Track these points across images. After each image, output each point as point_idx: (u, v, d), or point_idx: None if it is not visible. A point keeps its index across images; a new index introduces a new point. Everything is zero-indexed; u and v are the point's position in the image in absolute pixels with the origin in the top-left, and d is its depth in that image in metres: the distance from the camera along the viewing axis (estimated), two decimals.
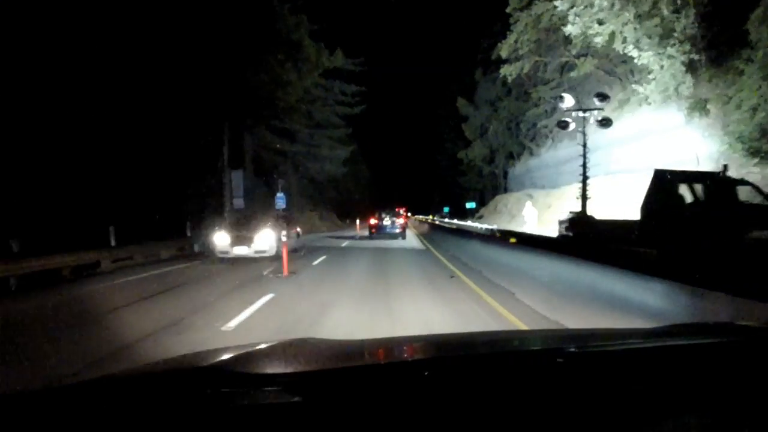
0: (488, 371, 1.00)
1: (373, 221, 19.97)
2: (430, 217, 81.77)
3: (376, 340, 1.58)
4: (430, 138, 71.31)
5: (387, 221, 19.70)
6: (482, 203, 50.81)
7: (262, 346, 1.17)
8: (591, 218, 9.92)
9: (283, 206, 29.05)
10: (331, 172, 31.75)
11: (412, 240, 21.41)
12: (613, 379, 0.96)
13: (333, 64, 22.28)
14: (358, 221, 24.66)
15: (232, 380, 0.87)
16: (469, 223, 34.26)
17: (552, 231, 18.80)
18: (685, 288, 4.28)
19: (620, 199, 19.54)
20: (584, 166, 10.97)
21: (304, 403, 0.78)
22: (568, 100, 10.18)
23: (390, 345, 1.47)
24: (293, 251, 12.02)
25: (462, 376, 0.95)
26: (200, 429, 0.74)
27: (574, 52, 21.37)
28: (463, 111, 43.26)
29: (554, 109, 28.89)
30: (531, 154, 35.58)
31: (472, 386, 0.89)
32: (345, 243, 18.17)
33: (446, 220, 41.29)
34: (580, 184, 23.59)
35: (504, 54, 23.80)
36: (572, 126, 10.71)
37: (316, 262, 11.61)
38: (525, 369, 1.02)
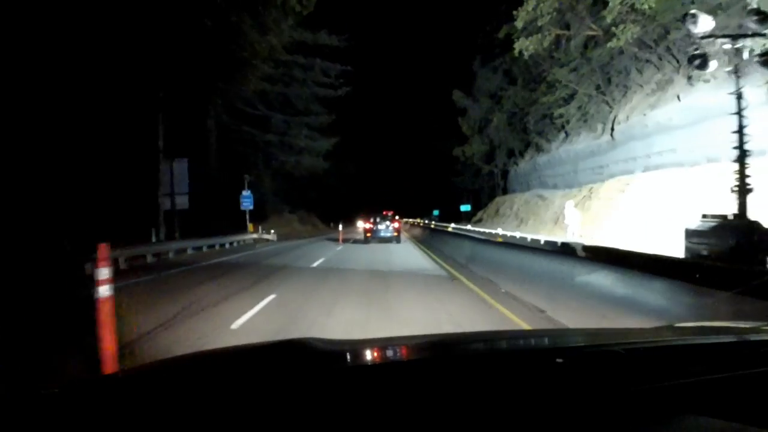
0: (489, 371, 1.00)
1: (368, 226, 19.86)
2: (419, 220, 77.88)
3: (376, 339, 1.63)
4: (419, 135, 67.33)
5: (381, 226, 19.54)
6: (477, 206, 46.80)
7: (265, 346, 1.21)
8: (760, 226, 5.70)
9: (250, 207, 24.23)
10: (311, 167, 27.09)
11: (411, 251, 16.90)
12: (613, 380, 0.95)
13: (308, 10, 17.62)
14: (341, 226, 19.80)
15: (232, 380, 0.87)
16: (471, 227, 29.96)
17: (593, 238, 14.83)
18: None
19: (666, 201, 15.31)
20: (740, 132, 6.53)
21: (304, 402, 0.78)
22: (704, 22, 5.76)
23: (390, 345, 1.45)
24: None
25: (463, 376, 0.95)
26: (199, 429, 0.73)
27: (609, 19, 17.26)
28: (459, 104, 39.12)
29: (573, 95, 24.88)
30: (539, 150, 31.56)
31: (472, 386, 0.89)
32: (319, 260, 11.99)
33: (445, 224, 37.00)
34: (611, 182, 19.70)
35: (520, 23, 19.69)
36: (713, 66, 6.30)
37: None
38: (525, 369, 1.02)
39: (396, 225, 19.85)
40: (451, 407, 0.79)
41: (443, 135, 50.51)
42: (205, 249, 16.36)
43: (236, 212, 24.62)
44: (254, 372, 0.96)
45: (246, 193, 21.84)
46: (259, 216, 29.30)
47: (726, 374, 0.96)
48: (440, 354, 1.26)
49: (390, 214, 20.85)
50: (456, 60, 47.44)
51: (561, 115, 25.48)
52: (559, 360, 1.03)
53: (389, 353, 1.30)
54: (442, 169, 54.84)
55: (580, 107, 24.70)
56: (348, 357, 1.19)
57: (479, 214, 39.86)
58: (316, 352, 1.16)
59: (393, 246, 18.65)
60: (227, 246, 18.77)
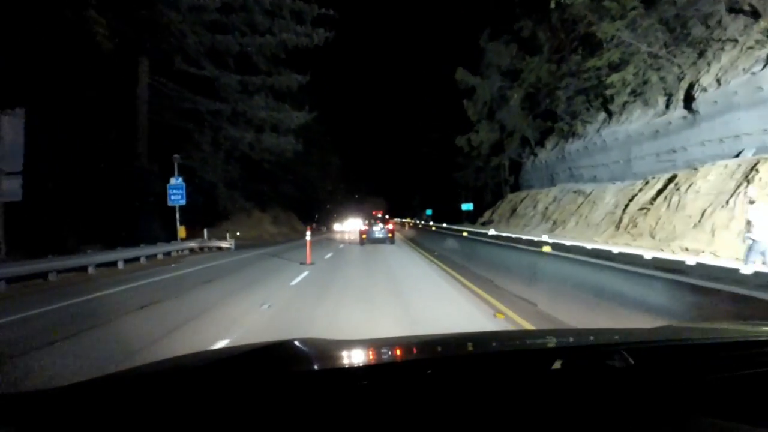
0: (489, 371, 0.99)
1: (363, 228, 20.00)
2: (409, 220, 71.79)
3: (376, 339, 1.58)
4: (412, 124, 61.12)
5: (376, 228, 19.48)
6: (480, 205, 40.89)
7: (263, 346, 1.15)
8: None
9: (181, 201, 17.51)
10: (276, 148, 20.50)
11: (428, 272, 10.73)
12: (613, 380, 0.94)
13: None
14: (309, 234, 12.88)
15: (232, 380, 0.87)
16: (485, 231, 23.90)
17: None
18: None
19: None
20: None
21: (304, 402, 0.78)
22: None
23: (390, 344, 1.43)
24: None
25: (463, 376, 0.94)
26: (198, 429, 0.73)
27: None
28: (464, 84, 32.99)
29: (629, 57, 18.96)
30: (570, 135, 25.67)
31: (473, 386, 0.89)
32: (261, 310, 5.99)
33: (451, 227, 30.97)
34: (716, 168, 13.11)
35: None
36: None
37: None
38: (525, 369, 1.01)
39: (390, 227, 19.62)
40: (452, 406, 0.79)
41: (442, 123, 44.51)
42: (53, 277, 9.35)
43: (183, 210, 18.08)
44: (241, 376, 0.91)
45: (175, 182, 15.22)
46: (213, 215, 22.68)
47: (728, 374, 0.93)
48: (441, 354, 1.26)
49: (380, 214, 20.91)
50: (458, 34, 41.37)
51: (611, 85, 19.56)
52: (559, 360, 1.02)
53: (390, 353, 1.29)
54: (439, 162, 48.75)
55: (636, 73, 18.82)
56: (348, 357, 1.18)
57: (487, 215, 33.85)
58: (316, 352, 1.14)
59: (396, 261, 12.89)
60: (121, 266, 11.78)
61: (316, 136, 32.92)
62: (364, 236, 19.19)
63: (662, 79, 18.68)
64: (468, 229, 21.57)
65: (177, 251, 14.83)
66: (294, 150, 20.68)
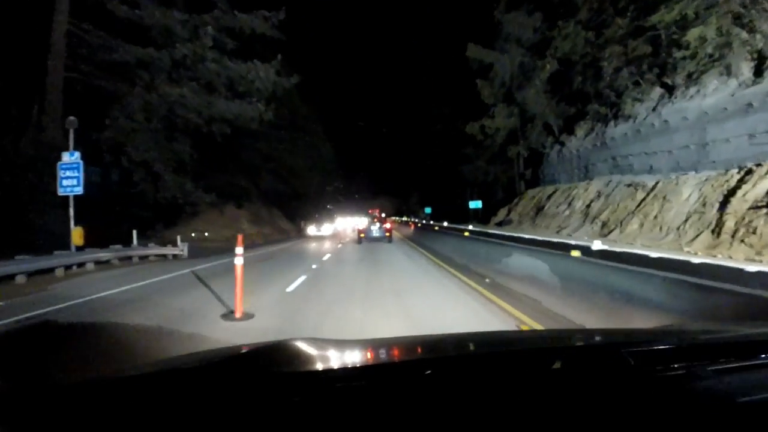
0: (489, 371, 0.99)
1: (361, 227, 20.18)
2: (406, 218, 67.21)
3: (376, 339, 1.58)
4: (411, 115, 56.42)
5: (373, 227, 19.51)
6: (488, 202, 36.39)
7: (262, 345, 1.16)
8: None
9: (76, 189, 11.54)
10: (235, 115, 15.50)
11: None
12: (613, 380, 0.94)
13: None
14: (239, 254, 7.47)
15: (231, 380, 0.87)
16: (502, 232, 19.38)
17: None
18: None
19: None
20: None
21: (304, 403, 0.78)
22: None
23: (390, 345, 1.43)
24: None
25: (463, 376, 0.95)
26: (199, 430, 0.73)
27: None
28: (477, 61, 28.38)
29: (705, 12, 14.47)
30: (612, 117, 21.17)
31: (473, 386, 0.89)
32: None
33: (451, 225, 26.45)
34: None
35: None
36: None
37: None
38: (525, 369, 1.01)
39: (387, 225, 19.82)
40: (452, 407, 0.78)
41: (447, 110, 39.93)
42: None
43: (112, 203, 13.31)
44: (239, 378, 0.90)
45: (70, 159, 10.22)
46: (173, 212, 17.92)
47: (728, 374, 0.94)
48: (441, 354, 1.25)
49: (377, 212, 22.16)
50: (467, 6, 36.71)
51: (683, 46, 15.03)
52: (559, 360, 1.03)
53: (389, 353, 1.29)
54: (443, 155, 44.16)
55: (719, 29, 14.34)
56: (348, 357, 1.18)
57: (501, 214, 29.30)
58: (316, 353, 1.13)
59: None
60: None
61: (306, 122, 28.22)
62: (362, 235, 19.28)
63: (746, 42, 14.28)
64: (492, 231, 17.02)
65: (75, 265, 9.86)
66: (262, 119, 15.75)
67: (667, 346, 1.16)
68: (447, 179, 47.42)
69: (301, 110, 27.36)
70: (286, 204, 32.30)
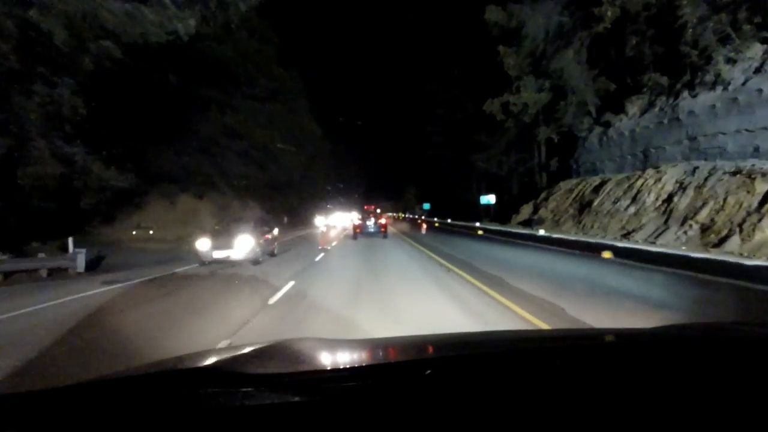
0: (489, 371, 0.98)
1: (357, 222, 19.75)
2: (400, 214, 62.15)
3: (376, 339, 1.58)
4: (409, 97, 50.97)
5: (369, 222, 19.24)
6: (501, 198, 31.43)
7: (261, 345, 1.15)
8: None
9: None
10: (141, 28, 9.93)
11: None
12: (613, 381, 0.93)
13: None
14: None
15: (230, 380, 0.86)
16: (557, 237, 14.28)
17: None
18: None
19: None
20: None
21: (304, 403, 0.77)
22: None
23: (390, 345, 1.42)
24: None
25: (463, 376, 0.94)
26: (199, 430, 0.72)
27: None
28: (499, 26, 23.26)
29: None
30: (687, 88, 16.25)
31: (472, 386, 0.89)
32: None
33: (457, 222, 21.56)
34: None
35: None
36: None
37: None
38: (525, 369, 1.00)
39: (382, 221, 19.50)
40: (451, 407, 0.78)
41: (455, 91, 34.80)
42: None
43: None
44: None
45: None
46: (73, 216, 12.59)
47: (730, 377, 0.93)
48: (441, 354, 1.23)
49: (372, 208, 21.08)
50: None
51: None
52: (559, 361, 1.04)
53: (389, 353, 1.28)
54: (448, 144, 39.04)
55: None
56: (347, 357, 1.17)
57: (525, 211, 24.29)
58: (315, 352, 1.14)
59: None
60: None
61: (287, 93, 22.83)
62: (358, 230, 19.13)
63: None
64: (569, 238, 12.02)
65: None
66: (186, 34, 10.33)
67: (667, 346, 1.17)
68: (450, 172, 42.36)
69: (282, 79, 22.07)
70: (266, 195, 26.92)
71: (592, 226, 16.20)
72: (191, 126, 17.22)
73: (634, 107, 19.31)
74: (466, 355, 1.20)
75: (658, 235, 12.65)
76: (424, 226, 19.33)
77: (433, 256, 10.37)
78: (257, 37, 18.51)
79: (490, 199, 31.09)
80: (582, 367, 1.01)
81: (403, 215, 59.35)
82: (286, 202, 31.18)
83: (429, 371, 0.92)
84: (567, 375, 0.96)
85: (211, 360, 1.07)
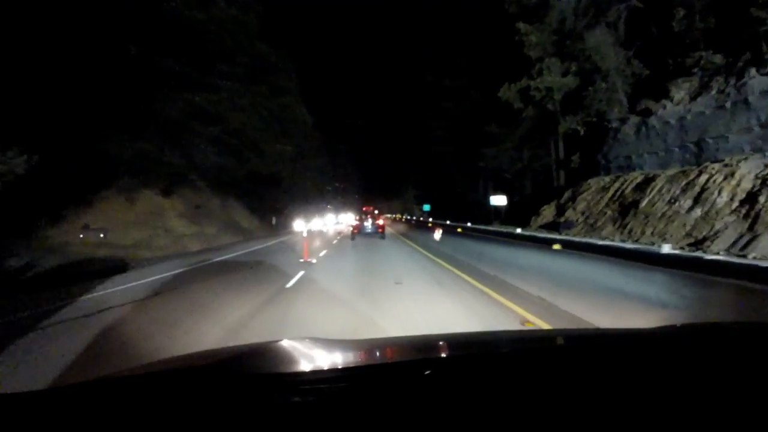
0: (488, 371, 0.98)
1: (355, 223, 19.53)
2: (398, 216, 59.15)
3: (376, 339, 1.60)
4: (411, 98, 47.99)
5: (367, 223, 19.03)
6: (512, 199, 28.53)
7: (261, 345, 1.15)
8: None
9: None
10: None
11: None
12: (613, 381, 0.92)
13: None
14: None
15: (231, 380, 0.86)
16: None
17: None
18: None
19: None
20: None
21: (304, 403, 0.77)
22: None
23: (389, 345, 1.43)
24: None
25: (462, 376, 0.94)
26: (199, 430, 0.72)
27: None
28: (516, 1, 20.35)
29: None
30: (753, 66, 13.40)
31: (472, 386, 0.88)
32: None
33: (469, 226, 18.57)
34: None
35: None
36: None
37: None
38: (525, 369, 1.00)
39: (380, 222, 19.21)
40: (451, 407, 0.78)
41: (463, 81, 31.85)
42: None
43: None
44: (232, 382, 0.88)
45: None
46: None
47: (731, 378, 0.92)
48: (441, 354, 1.23)
49: (371, 210, 20.69)
50: None
51: None
52: (558, 361, 1.04)
53: (389, 353, 1.27)
54: (452, 139, 36.09)
55: None
56: (348, 357, 1.16)
57: (546, 212, 21.35)
58: (316, 353, 1.13)
59: None
60: None
61: (273, 74, 19.67)
62: (355, 231, 18.73)
63: None
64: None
65: None
66: None
67: (667, 346, 1.16)
68: (454, 171, 39.44)
69: (267, 56, 18.97)
70: (251, 193, 23.79)
71: (642, 231, 13.26)
72: (155, 107, 14.13)
73: (681, 91, 16.43)
74: (465, 355, 1.20)
75: (746, 244, 9.72)
76: (438, 231, 16.11)
77: (496, 296, 6.11)
78: (237, 3, 15.51)
79: (500, 199, 28.20)
80: (582, 366, 1.00)
81: (401, 216, 56.40)
82: (275, 201, 28.09)
83: (428, 371, 0.91)
84: (567, 375, 0.94)
85: (211, 360, 1.11)
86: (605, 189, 17.61)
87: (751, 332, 1.35)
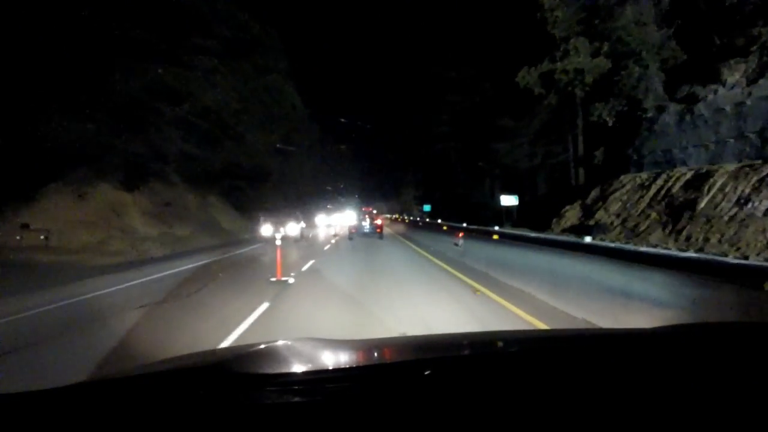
0: (488, 371, 0.98)
1: (352, 223, 19.31)
2: (398, 216, 56.68)
3: (376, 340, 1.54)
4: (412, 90, 45.40)
5: (365, 223, 18.79)
6: (523, 199, 26.07)
7: (262, 346, 1.13)
8: None
9: None
10: None
11: None
12: (613, 381, 0.92)
13: None
14: None
15: (231, 380, 0.86)
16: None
17: None
18: None
19: None
20: None
21: (304, 403, 0.77)
22: None
23: (390, 345, 1.42)
24: None
25: (462, 377, 0.94)
26: (199, 430, 0.71)
27: None
28: None
29: None
30: None
31: (472, 386, 0.88)
32: None
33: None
34: None
35: None
36: None
37: None
38: (525, 369, 1.00)
39: (378, 222, 18.88)
40: (450, 407, 0.78)
41: (472, 71, 29.33)
42: None
43: None
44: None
45: None
46: None
47: (732, 378, 0.91)
48: (440, 354, 1.22)
49: (370, 210, 20.68)
50: None
51: None
52: (558, 361, 1.03)
53: (389, 353, 1.26)
54: (457, 135, 33.61)
55: None
56: (348, 357, 1.15)
57: (571, 215, 18.91)
58: (316, 353, 1.12)
59: None
60: None
61: (258, 47, 16.93)
62: (353, 231, 18.46)
63: None
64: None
65: None
66: None
67: (666, 346, 1.16)
68: (458, 169, 36.97)
69: (250, 29, 16.35)
70: (236, 189, 21.22)
71: (705, 239, 10.80)
72: (109, 81, 11.56)
73: (735, 74, 14.01)
74: (465, 355, 1.20)
75: None
76: (459, 237, 13.25)
77: None
78: None
79: (511, 200, 25.75)
80: (582, 366, 1.00)
81: (399, 216, 53.92)
82: (264, 199, 25.53)
83: (428, 372, 0.91)
84: (567, 375, 0.94)
85: (211, 360, 1.09)
86: (644, 187, 15.15)
87: (751, 332, 1.34)
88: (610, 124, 18.29)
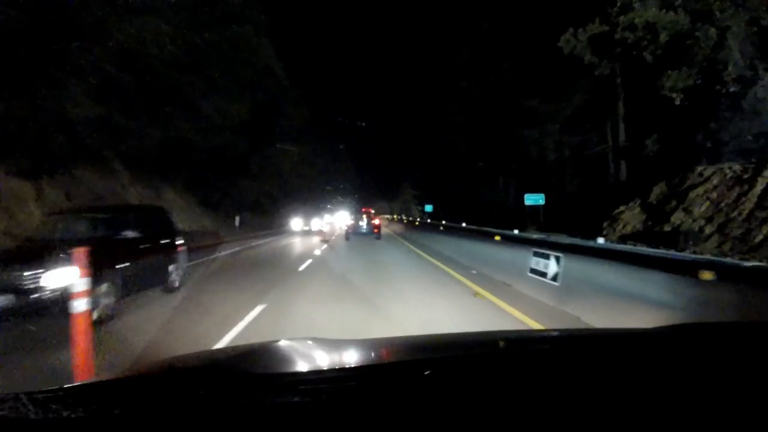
0: (488, 371, 0.97)
1: (350, 222, 19.61)
2: (396, 216, 52.88)
3: (376, 339, 1.55)
4: (419, 77, 41.41)
5: (362, 223, 18.99)
6: (549, 198, 22.16)
7: (261, 345, 1.14)
8: None
9: None
10: None
11: None
12: (612, 381, 0.91)
13: None
14: None
15: (232, 380, 0.85)
16: None
17: None
18: None
19: None
20: None
21: (303, 403, 0.77)
22: None
23: (390, 345, 1.40)
24: None
25: (462, 376, 0.93)
26: (200, 430, 0.71)
27: None
28: None
29: None
30: None
31: (471, 386, 0.87)
32: None
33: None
34: None
35: None
36: None
37: None
38: (524, 369, 0.99)
39: (376, 222, 19.09)
40: (450, 407, 0.77)
41: (484, 48, 25.36)
42: None
43: None
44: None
45: None
46: None
47: (732, 378, 0.90)
48: (440, 354, 1.22)
49: (369, 211, 20.57)
50: None
51: None
52: (558, 361, 1.02)
53: (389, 353, 1.25)
54: (469, 126, 29.65)
55: None
56: (348, 357, 1.14)
57: (630, 218, 15.04)
58: (316, 353, 1.11)
59: None
60: None
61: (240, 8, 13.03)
62: (351, 230, 18.51)
63: None
64: None
65: None
66: None
67: (666, 345, 1.14)
68: (467, 165, 33.05)
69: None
70: (201, 182, 17.19)
71: None
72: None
73: None
74: (464, 355, 1.18)
75: None
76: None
77: None
78: None
79: (537, 198, 21.85)
80: (581, 366, 0.99)
81: (396, 217, 50.17)
82: (244, 194, 21.46)
83: (428, 372, 0.90)
84: (566, 375, 0.93)
85: (211, 360, 1.09)
86: (743, 182, 11.24)
87: (751, 332, 1.32)
88: (678, 102, 14.37)
